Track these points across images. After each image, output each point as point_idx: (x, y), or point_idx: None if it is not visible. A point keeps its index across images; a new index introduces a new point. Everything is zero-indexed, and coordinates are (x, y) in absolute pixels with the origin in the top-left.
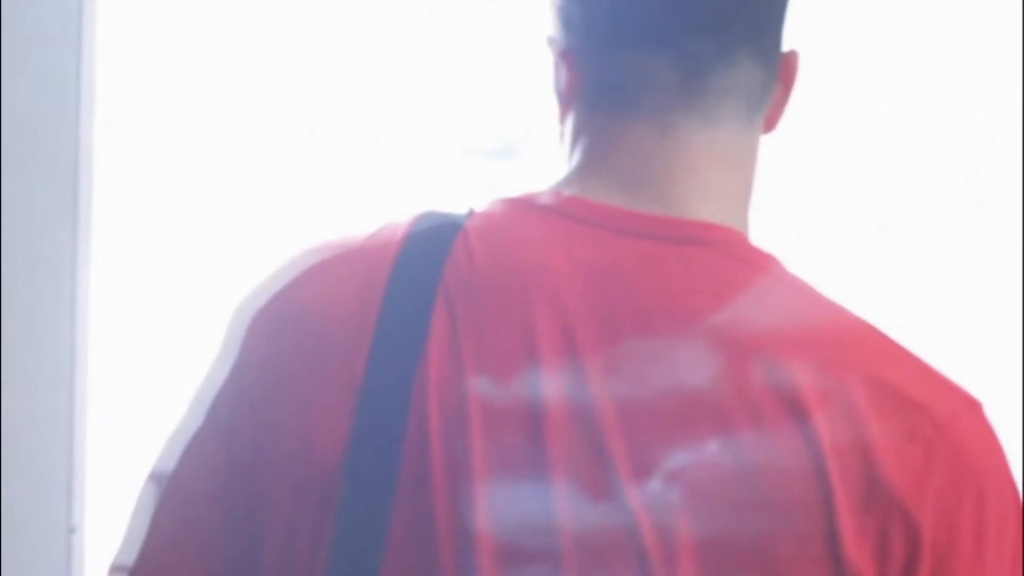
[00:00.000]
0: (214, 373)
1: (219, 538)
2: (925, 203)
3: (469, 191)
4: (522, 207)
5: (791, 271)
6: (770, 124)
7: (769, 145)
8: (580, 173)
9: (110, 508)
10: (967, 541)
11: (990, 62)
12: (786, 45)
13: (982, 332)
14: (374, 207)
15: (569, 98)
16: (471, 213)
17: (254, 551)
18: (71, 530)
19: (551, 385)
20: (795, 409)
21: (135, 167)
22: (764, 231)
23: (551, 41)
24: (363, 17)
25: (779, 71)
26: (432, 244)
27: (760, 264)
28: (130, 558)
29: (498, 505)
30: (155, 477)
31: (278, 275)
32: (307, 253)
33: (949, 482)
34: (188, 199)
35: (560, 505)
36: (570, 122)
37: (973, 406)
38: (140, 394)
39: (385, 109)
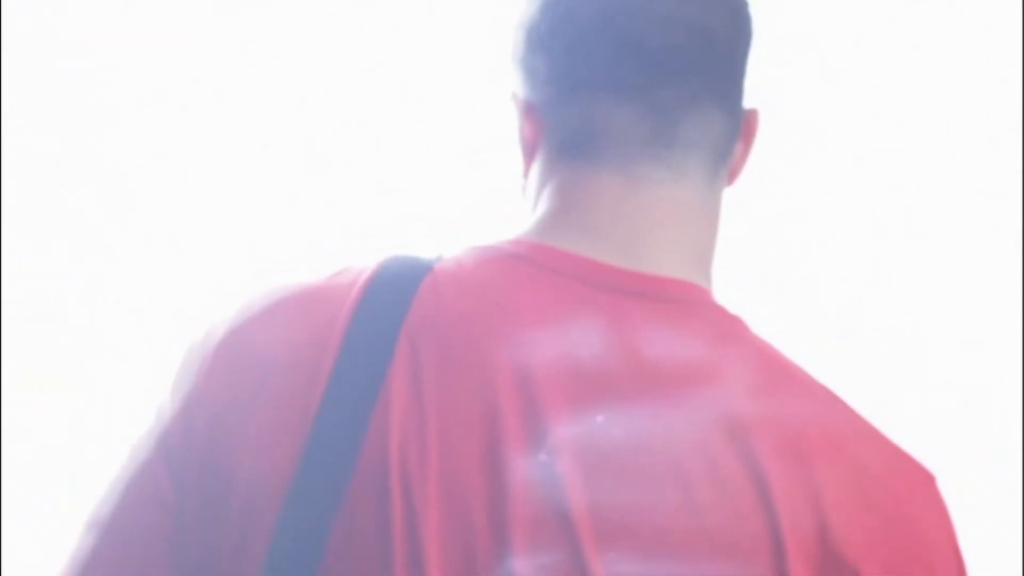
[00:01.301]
0: (164, 408)
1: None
2: (924, 203)
3: (466, 190)
4: (491, 254)
5: (756, 334)
6: (732, 179)
7: (770, 145)
8: (547, 223)
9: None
10: None
11: (990, 62)
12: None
13: (982, 332)
14: (373, 206)
15: (533, 150)
16: (440, 258)
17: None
18: None
19: (510, 435)
20: (755, 473)
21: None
22: (764, 231)
23: (514, 96)
24: (362, 17)
25: (741, 126)
26: (398, 285)
27: (726, 325)
28: None
29: (455, 548)
30: (95, 520)
31: (237, 312)
32: (267, 291)
33: (902, 553)
34: (188, 200)
35: (518, 562)
36: (535, 174)
37: (929, 481)
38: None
39: (385, 109)
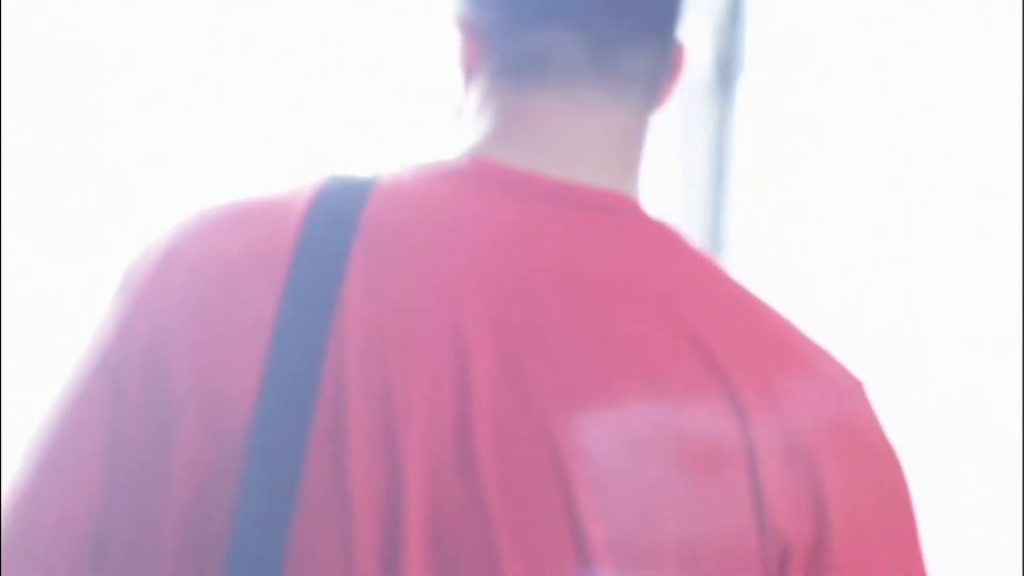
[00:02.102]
0: (104, 329)
1: (107, 495)
2: (924, 203)
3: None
4: (435, 170)
5: (688, 239)
6: (656, 106)
7: (767, 145)
8: (490, 140)
9: None
10: (868, 511)
11: (990, 62)
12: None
13: (982, 332)
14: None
15: (473, 71)
16: (381, 176)
17: (155, 498)
18: None
19: (466, 339)
20: (713, 367)
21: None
22: (763, 231)
23: (457, 17)
24: (360, 17)
25: (672, 60)
26: (345, 197)
27: (661, 228)
28: None
29: (423, 450)
30: (35, 447)
31: (175, 229)
32: (205, 209)
33: (851, 447)
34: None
35: (484, 453)
36: (475, 95)
37: (861, 387)
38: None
39: (385, 109)
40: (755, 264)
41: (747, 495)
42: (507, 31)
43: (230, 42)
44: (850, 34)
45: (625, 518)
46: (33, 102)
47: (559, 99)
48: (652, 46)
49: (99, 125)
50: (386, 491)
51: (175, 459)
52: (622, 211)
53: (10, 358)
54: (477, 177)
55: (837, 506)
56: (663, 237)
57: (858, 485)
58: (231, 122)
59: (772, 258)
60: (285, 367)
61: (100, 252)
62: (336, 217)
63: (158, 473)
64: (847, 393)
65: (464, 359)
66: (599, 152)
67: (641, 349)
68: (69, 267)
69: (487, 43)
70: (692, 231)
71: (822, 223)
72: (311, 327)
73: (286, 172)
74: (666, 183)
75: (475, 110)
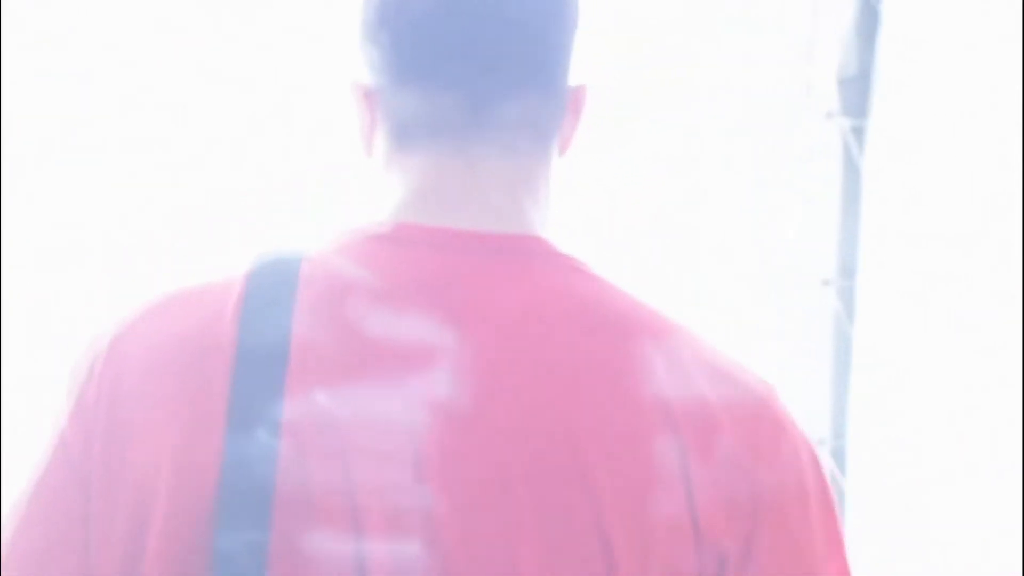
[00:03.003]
0: (60, 411)
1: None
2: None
3: None
4: (355, 238)
5: (594, 272)
6: (563, 149)
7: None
8: (399, 202)
9: None
10: (794, 505)
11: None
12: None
13: (982, 332)
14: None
15: (371, 135)
16: (308, 247)
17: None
18: None
19: (411, 395)
20: (646, 390)
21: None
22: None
23: (353, 83)
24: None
25: (568, 103)
26: (278, 278)
27: (571, 262)
28: None
29: (384, 521)
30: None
31: (120, 317)
32: (147, 298)
33: (778, 450)
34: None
35: (441, 505)
36: (378, 155)
37: (774, 388)
38: None
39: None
40: (886, 287)
41: (684, 508)
42: (394, 94)
43: (228, 42)
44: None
45: (575, 553)
46: (33, 102)
47: (450, 157)
48: (536, 96)
49: (99, 124)
50: (352, 555)
51: (148, 538)
52: (533, 252)
53: (10, 358)
54: (395, 240)
55: (765, 505)
56: (573, 271)
57: (782, 484)
58: (230, 121)
59: (905, 281)
60: (244, 444)
61: (100, 252)
62: (273, 299)
63: (133, 555)
64: (765, 399)
65: (419, 417)
66: (498, 201)
67: (579, 377)
68: (69, 267)
69: (381, 106)
70: (819, 255)
71: (958, 245)
72: (264, 406)
73: (284, 171)
74: (787, 205)
75: (381, 171)
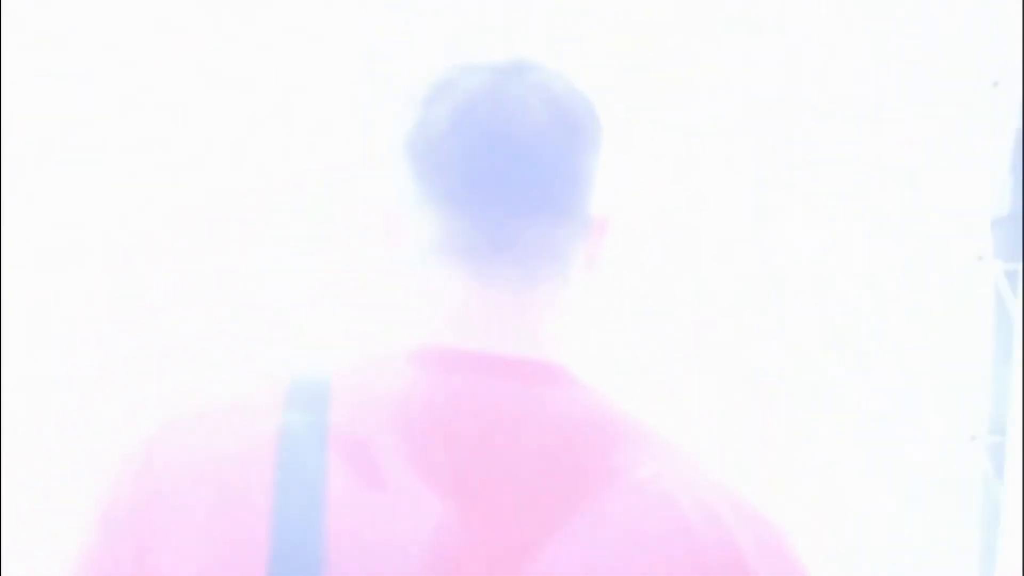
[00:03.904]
0: (87, 526)
1: None
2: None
3: None
4: (382, 360)
5: (608, 399)
6: (589, 268)
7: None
8: (424, 324)
9: None
10: None
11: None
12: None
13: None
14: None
15: (396, 252)
16: (337, 369)
17: None
18: None
19: (437, 526)
20: (669, 519)
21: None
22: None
23: (377, 203)
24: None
25: (589, 231)
26: (312, 402)
27: (587, 390)
28: None
29: None
30: None
31: (152, 427)
32: (178, 409)
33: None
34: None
35: None
36: (402, 274)
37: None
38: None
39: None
40: (753, 263)
41: None
42: (417, 216)
43: (228, 41)
44: (847, 31)
45: None
46: (33, 102)
47: (471, 279)
48: (553, 223)
49: (99, 124)
50: None
51: None
52: (551, 377)
53: (10, 358)
54: (417, 363)
55: None
56: (589, 397)
57: None
58: (230, 121)
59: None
60: (288, 561)
61: (100, 252)
62: (309, 424)
63: None
64: (788, 543)
65: (453, 542)
66: (518, 325)
67: (601, 500)
68: (69, 267)
69: (405, 228)
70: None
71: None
72: (307, 539)
73: (284, 171)
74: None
75: (406, 289)
